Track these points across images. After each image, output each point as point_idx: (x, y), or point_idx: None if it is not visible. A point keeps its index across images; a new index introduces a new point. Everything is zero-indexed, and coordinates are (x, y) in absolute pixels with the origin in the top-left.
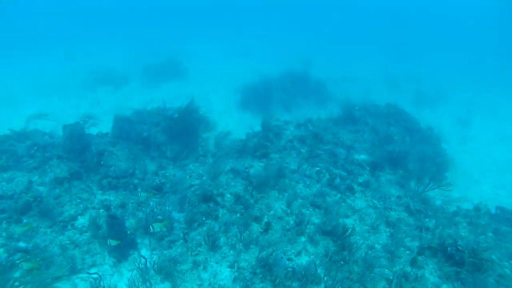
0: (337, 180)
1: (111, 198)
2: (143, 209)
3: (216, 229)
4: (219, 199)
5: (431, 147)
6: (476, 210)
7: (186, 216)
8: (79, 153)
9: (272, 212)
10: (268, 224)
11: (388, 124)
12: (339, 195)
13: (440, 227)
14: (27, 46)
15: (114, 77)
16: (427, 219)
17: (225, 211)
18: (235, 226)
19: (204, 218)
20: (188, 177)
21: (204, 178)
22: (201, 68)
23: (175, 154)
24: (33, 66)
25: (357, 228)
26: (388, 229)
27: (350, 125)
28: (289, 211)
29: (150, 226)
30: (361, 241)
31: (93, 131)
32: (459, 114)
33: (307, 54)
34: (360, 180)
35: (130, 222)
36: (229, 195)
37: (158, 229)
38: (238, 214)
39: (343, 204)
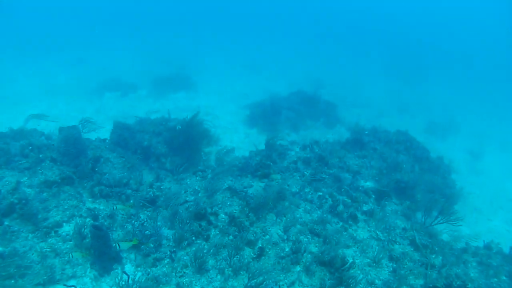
0: (340, 207)
1: (101, 207)
2: (133, 222)
3: (205, 251)
4: (212, 218)
5: (440, 178)
6: (487, 248)
7: (175, 234)
8: (73, 157)
9: (267, 237)
10: (261, 249)
11: (397, 151)
12: (341, 223)
13: (447, 265)
14: (38, 48)
15: (122, 84)
16: (433, 255)
17: (217, 232)
18: (226, 249)
19: (194, 238)
20: (183, 192)
21: (199, 194)
22: (210, 82)
23: (175, 167)
24: (42, 68)
25: (357, 261)
26: (391, 264)
27: (358, 150)
28: (285, 237)
29: (116, 245)
30: (361, 276)
31: (92, 136)
32: (471, 144)
33: (317, 73)
34: (365, 208)
35: (118, 234)
36: (223, 215)
37: (125, 248)
38: (231, 237)
39: (344, 233)
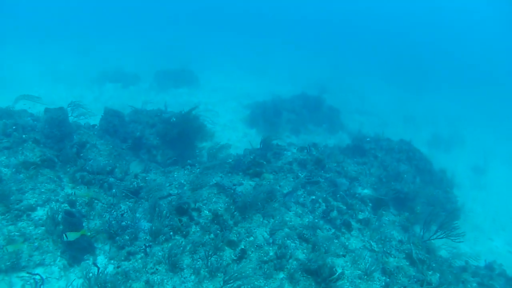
0: (334, 213)
1: (78, 193)
2: (113, 212)
3: (182, 248)
4: (194, 214)
5: (442, 192)
6: (489, 269)
7: (152, 228)
8: (57, 140)
9: (251, 238)
10: (243, 251)
11: (399, 160)
12: (333, 230)
13: (445, 284)
14: (45, 36)
15: (124, 76)
16: (430, 272)
17: (198, 229)
18: (205, 248)
19: (172, 233)
20: (167, 185)
21: (185, 188)
22: (214, 80)
23: (165, 160)
24: (48, 55)
25: (347, 272)
26: (384, 278)
27: (358, 156)
28: (271, 241)
29: (64, 235)
30: None
31: (82, 121)
32: (475, 159)
33: (323, 78)
34: (360, 216)
35: (95, 223)
36: (207, 212)
37: (73, 239)
38: (212, 235)
39: (335, 241)
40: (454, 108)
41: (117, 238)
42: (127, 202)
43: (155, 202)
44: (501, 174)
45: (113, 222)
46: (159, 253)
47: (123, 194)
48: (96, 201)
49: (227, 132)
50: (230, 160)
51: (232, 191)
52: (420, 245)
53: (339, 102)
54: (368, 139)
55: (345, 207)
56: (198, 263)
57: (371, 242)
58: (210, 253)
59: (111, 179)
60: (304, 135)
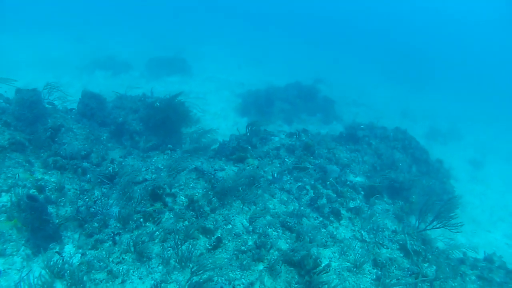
0: (322, 201)
1: (51, 179)
2: (86, 198)
3: (152, 236)
4: (169, 200)
5: (439, 182)
6: (488, 261)
7: (121, 214)
8: (29, 123)
9: (229, 226)
10: (219, 240)
11: (394, 148)
12: (320, 218)
13: (441, 277)
14: (38, 23)
15: (116, 64)
16: (426, 264)
17: (172, 216)
18: (178, 236)
19: (142, 220)
20: (144, 169)
21: (161, 173)
22: (208, 69)
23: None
24: (39, 42)
25: (334, 264)
26: (375, 271)
27: (351, 144)
28: (251, 229)
29: None
30: (336, 281)
31: (60, 105)
32: (473, 153)
33: (320, 70)
34: (351, 205)
35: (65, 210)
36: (183, 198)
37: (6, 229)
38: (186, 222)
39: (323, 230)
40: (453, 104)
41: (86, 225)
42: (102, 189)
43: (124, 186)
44: (499, 169)
45: (81, 208)
46: (129, 241)
47: (98, 180)
48: (67, 186)
49: (217, 121)
50: (214, 146)
51: (212, 176)
52: (415, 236)
53: (336, 94)
54: (362, 126)
55: (335, 195)
56: (168, 252)
57: (362, 232)
58: (181, 241)
59: (85, 164)
60: (297, 124)
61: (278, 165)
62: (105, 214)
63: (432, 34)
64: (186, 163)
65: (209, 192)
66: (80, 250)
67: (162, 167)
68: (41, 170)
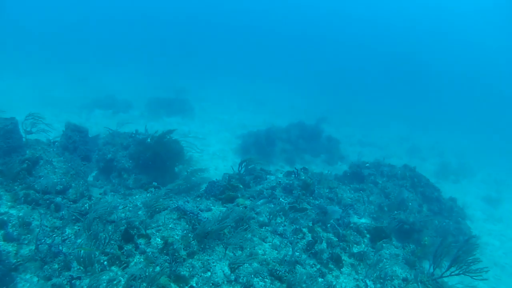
0: (321, 246)
1: (19, 214)
2: (55, 236)
3: (112, 282)
4: (142, 241)
5: (453, 223)
6: None
7: (80, 255)
8: (3, 153)
9: (207, 274)
10: None
11: (403, 187)
12: (318, 266)
13: None
14: (40, 62)
15: (116, 103)
16: None
17: (142, 260)
18: (143, 284)
19: (106, 263)
20: (121, 207)
21: (139, 212)
22: (209, 111)
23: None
24: (44, 81)
25: None
26: None
27: (356, 183)
28: (233, 278)
29: None
30: None
31: (42, 137)
32: (487, 191)
33: (323, 110)
34: (355, 250)
35: (29, 249)
36: (159, 239)
37: None
38: (157, 268)
39: (320, 279)
40: (461, 139)
41: (46, 266)
42: (75, 226)
43: (90, 224)
44: None
45: (43, 247)
46: (92, 286)
47: (73, 217)
48: (36, 223)
49: (215, 161)
50: (205, 185)
51: (195, 216)
52: (430, 284)
53: (340, 134)
54: (367, 164)
55: (336, 239)
56: None
57: (367, 281)
58: None
59: (58, 199)
60: (300, 165)
61: (273, 205)
62: (68, 255)
63: (436, 65)
64: (168, 202)
65: (189, 234)
66: None
67: (141, 205)
68: (8, 203)
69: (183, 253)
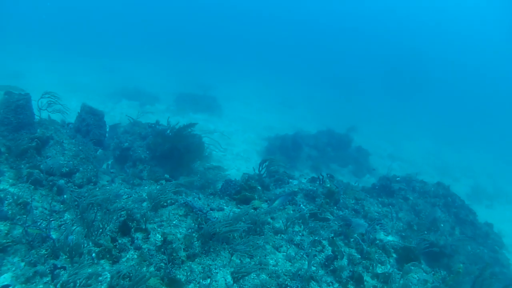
0: (342, 262)
1: (19, 193)
2: (52, 220)
3: (98, 278)
4: (139, 236)
5: (487, 250)
6: None
7: (66, 244)
8: (13, 128)
9: (207, 281)
10: None
11: (435, 206)
12: (335, 285)
13: None
14: (73, 51)
15: (143, 95)
16: None
17: (136, 257)
18: (130, 284)
19: (94, 255)
20: (125, 196)
21: (144, 204)
22: (238, 110)
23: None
24: (76, 69)
25: None
26: None
27: (384, 197)
28: None
29: None
30: None
31: (57, 117)
32: None
33: (354, 120)
34: (378, 270)
35: (19, 232)
36: (159, 236)
37: None
38: (151, 268)
39: None
40: (497, 163)
41: (32, 251)
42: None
43: (83, 210)
44: None
45: (29, 230)
46: (69, 285)
47: (75, 202)
48: (35, 204)
49: (238, 162)
50: (221, 183)
51: (204, 215)
52: None
53: (370, 145)
54: (398, 178)
55: (359, 256)
56: None
57: None
58: None
59: (61, 182)
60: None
61: (292, 211)
62: (57, 241)
63: (473, 82)
64: (177, 197)
65: (193, 234)
66: (19, 280)
67: (146, 197)
68: (10, 181)
69: (182, 254)
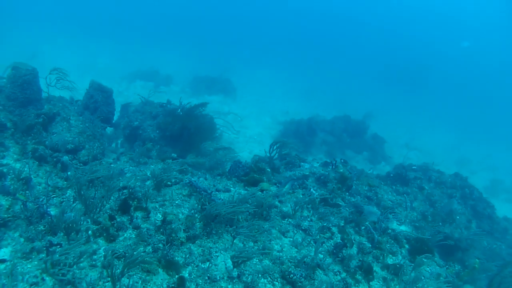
0: (351, 251)
1: (22, 168)
2: (54, 197)
3: (92, 256)
4: (139, 215)
5: (505, 246)
6: None
7: (65, 221)
8: (19, 104)
9: (206, 265)
10: (181, 282)
11: (451, 197)
12: (343, 274)
13: None
14: (96, 33)
15: (158, 77)
16: None
17: (134, 236)
18: (123, 264)
19: (91, 233)
20: (129, 174)
21: (147, 182)
22: (253, 93)
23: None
24: (93, 50)
25: None
26: None
27: (399, 185)
28: (235, 274)
29: None
30: None
31: (66, 94)
32: None
33: (370, 106)
34: (389, 261)
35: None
36: (160, 216)
37: None
38: (149, 248)
39: None
40: None
41: (31, 227)
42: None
43: (80, 186)
44: None
45: (29, 205)
46: (59, 258)
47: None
48: (38, 180)
49: (251, 145)
50: (230, 163)
51: (209, 195)
52: None
53: (386, 133)
54: (414, 167)
55: (369, 245)
56: (105, 284)
57: None
58: (126, 272)
59: (65, 158)
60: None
61: (301, 195)
62: (55, 217)
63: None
64: (183, 176)
65: (196, 215)
66: (18, 255)
67: (151, 176)
68: (15, 156)
69: (182, 235)
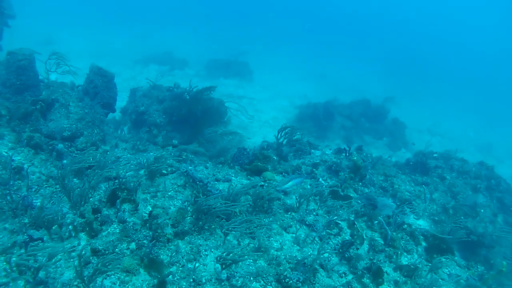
0: (360, 249)
1: (16, 158)
2: (47, 187)
3: (70, 253)
4: (126, 207)
5: None
6: None
7: (44, 215)
8: (15, 90)
9: (192, 265)
10: (162, 284)
11: (475, 189)
12: (349, 276)
13: None
14: (109, 19)
15: (172, 60)
16: None
17: (118, 231)
18: (104, 261)
19: (71, 228)
20: (124, 163)
21: (140, 172)
22: (269, 77)
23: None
24: (104, 34)
25: None
26: None
27: (418, 175)
28: (224, 277)
29: None
30: None
31: (67, 79)
32: None
33: (390, 90)
34: (403, 261)
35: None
36: (149, 208)
37: None
38: (133, 244)
39: None
40: None
41: (16, 219)
42: (74, 179)
43: (63, 177)
44: None
45: (14, 196)
46: (38, 258)
47: (75, 168)
48: (32, 169)
49: (264, 129)
50: (233, 150)
51: (205, 186)
52: None
53: (407, 119)
54: (435, 154)
55: (382, 242)
56: (79, 286)
57: None
58: (102, 271)
59: (60, 146)
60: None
61: (309, 186)
62: (40, 210)
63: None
64: (179, 164)
65: (188, 208)
66: None
67: (146, 163)
68: (10, 145)
69: (168, 231)
